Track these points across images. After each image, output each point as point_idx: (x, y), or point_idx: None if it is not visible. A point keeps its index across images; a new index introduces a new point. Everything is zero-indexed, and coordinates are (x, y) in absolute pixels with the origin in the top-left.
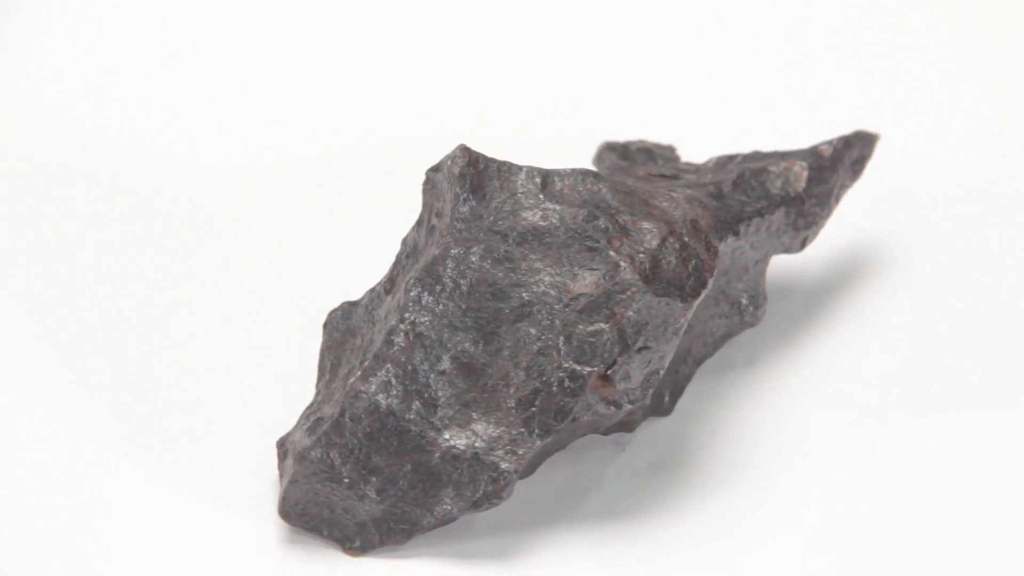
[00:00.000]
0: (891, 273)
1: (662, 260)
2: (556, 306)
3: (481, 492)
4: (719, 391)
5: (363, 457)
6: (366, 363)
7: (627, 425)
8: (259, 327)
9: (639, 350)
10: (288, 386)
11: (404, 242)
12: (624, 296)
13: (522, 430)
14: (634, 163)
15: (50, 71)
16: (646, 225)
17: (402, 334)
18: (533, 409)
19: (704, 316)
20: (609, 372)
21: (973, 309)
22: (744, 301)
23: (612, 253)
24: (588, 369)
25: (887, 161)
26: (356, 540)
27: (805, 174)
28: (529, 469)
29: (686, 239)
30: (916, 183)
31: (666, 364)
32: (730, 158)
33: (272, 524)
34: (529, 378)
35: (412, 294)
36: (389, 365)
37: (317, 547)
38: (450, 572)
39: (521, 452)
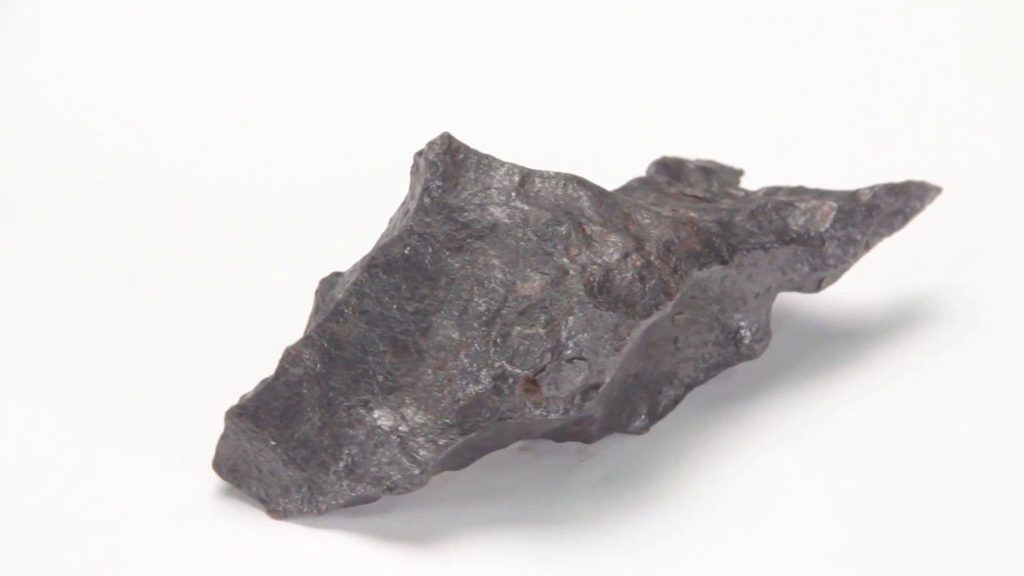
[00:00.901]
0: (916, 324)
1: (617, 275)
2: (501, 304)
3: (397, 476)
4: (706, 420)
5: (290, 423)
6: (310, 331)
7: (583, 436)
8: (257, 297)
9: (571, 359)
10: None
11: (389, 220)
12: (565, 304)
13: (447, 421)
14: (678, 180)
15: (43, 77)
16: (613, 238)
17: (348, 308)
18: (462, 403)
19: (696, 340)
20: (537, 377)
21: (988, 365)
22: (743, 332)
23: (565, 260)
24: (518, 371)
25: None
26: (279, 503)
27: (832, 215)
28: (459, 462)
29: (652, 259)
30: (948, 229)
31: (606, 379)
32: (777, 189)
33: (210, 480)
34: (463, 371)
35: (364, 272)
36: (330, 336)
37: (246, 506)
38: (361, 548)
39: (442, 443)
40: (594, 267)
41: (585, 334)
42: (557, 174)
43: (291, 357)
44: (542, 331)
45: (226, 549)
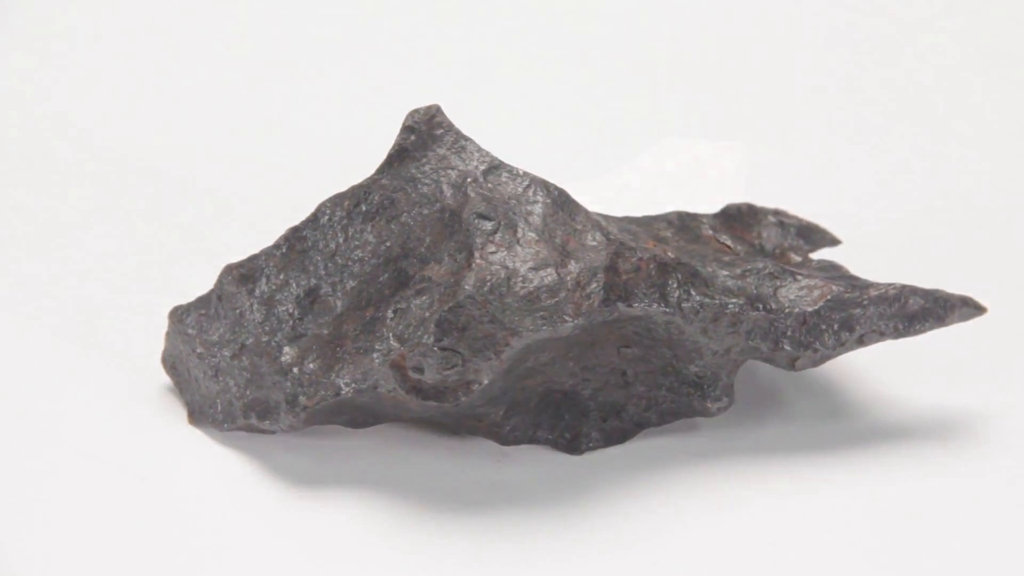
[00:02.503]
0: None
1: (519, 283)
2: (414, 281)
3: (279, 415)
4: (642, 458)
5: (216, 338)
6: (254, 255)
7: (491, 434)
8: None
9: (444, 349)
10: None
11: None
12: (458, 295)
13: (333, 377)
14: (736, 228)
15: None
16: (538, 249)
17: (289, 244)
18: (347, 363)
19: (648, 380)
20: (404, 356)
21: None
22: (702, 387)
23: (476, 253)
24: (396, 346)
25: None
26: (195, 409)
27: (823, 301)
28: (351, 420)
29: (568, 278)
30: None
31: (483, 381)
32: (832, 266)
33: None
34: (360, 334)
35: (315, 212)
36: (271, 266)
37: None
38: (249, 474)
39: (320, 395)
40: (502, 268)
41: (468, 330)
42: (527, 174)
43: (230, 273)
44: (427, 315)
45: (137, 445)
